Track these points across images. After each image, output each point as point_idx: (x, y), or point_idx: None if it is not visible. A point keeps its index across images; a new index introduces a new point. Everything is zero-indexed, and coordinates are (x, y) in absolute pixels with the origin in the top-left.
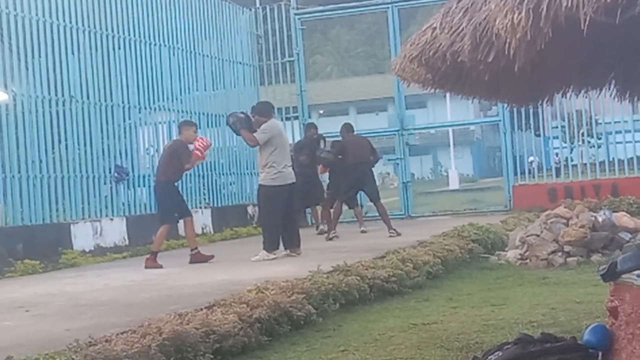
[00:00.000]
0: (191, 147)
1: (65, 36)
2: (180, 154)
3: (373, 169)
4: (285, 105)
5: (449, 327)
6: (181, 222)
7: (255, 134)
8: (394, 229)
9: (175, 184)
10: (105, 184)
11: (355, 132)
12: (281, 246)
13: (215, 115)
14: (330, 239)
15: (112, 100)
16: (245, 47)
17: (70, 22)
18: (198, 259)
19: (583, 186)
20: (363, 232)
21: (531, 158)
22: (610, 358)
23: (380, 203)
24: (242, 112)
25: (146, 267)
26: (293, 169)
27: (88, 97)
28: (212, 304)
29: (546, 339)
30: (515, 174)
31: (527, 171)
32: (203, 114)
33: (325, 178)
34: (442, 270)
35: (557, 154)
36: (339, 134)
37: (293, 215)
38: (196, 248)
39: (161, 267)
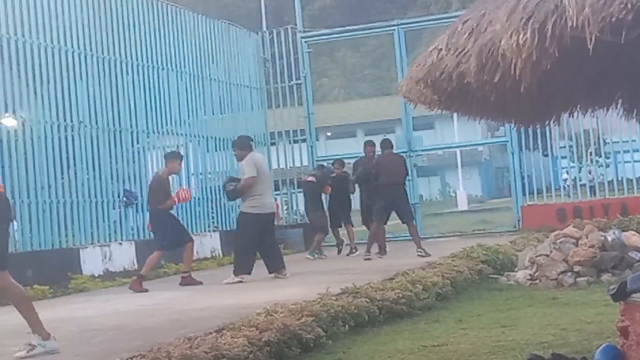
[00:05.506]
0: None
1: (74, 62)
2: (156, 193)
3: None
4: (293, 129)
5: (459, 349)
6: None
7: (245, 175)
8: (423, 249)
9: (170, 211)
10: (114, 208)
11: (393, 150)
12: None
13: (223, 139)
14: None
15: (120, 126)
16: (253, 71)
17: (79, 49)
18: (188, 282)
19: (592, 206)
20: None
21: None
22: None
23: (413, 224)
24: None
25: (130, 288)
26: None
27: (97, 123)
28: (221, 328)
29: None
30: (524, 195)
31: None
32: (211, 137)
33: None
34: (452, 292)
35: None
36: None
37: (273, 240)
38: (188, 272)
39: (146, 291)
